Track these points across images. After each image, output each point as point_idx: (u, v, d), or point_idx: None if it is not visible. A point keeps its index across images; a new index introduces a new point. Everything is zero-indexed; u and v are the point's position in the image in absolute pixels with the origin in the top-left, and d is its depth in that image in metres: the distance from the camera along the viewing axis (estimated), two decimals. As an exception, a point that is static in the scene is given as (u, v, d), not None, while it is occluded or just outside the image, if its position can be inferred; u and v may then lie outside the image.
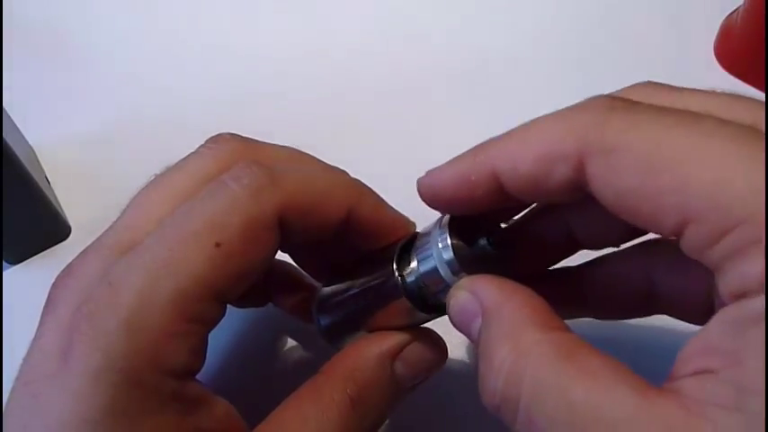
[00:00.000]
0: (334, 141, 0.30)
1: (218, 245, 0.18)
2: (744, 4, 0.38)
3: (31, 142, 0.36)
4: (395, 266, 0.21)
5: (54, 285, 0.20)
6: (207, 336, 0.19)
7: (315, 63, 0.41)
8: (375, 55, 0.40)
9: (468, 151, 0.19)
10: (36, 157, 0.36)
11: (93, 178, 0.36)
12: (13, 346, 0.25)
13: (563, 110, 0.17)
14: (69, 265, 0.20)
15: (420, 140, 0.36)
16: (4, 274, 0.32)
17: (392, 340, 0.21)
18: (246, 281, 0.19)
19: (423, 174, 0.20)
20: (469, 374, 0.29)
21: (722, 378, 0.14)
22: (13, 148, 0.29)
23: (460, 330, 0.19)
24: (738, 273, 0.14)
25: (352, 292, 0.22)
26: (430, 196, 0.20)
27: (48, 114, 0.38)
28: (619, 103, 0.16)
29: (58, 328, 0.18)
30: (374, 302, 0.22)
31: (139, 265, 0.18)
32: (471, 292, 0.19)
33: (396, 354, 0.21)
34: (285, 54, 0.42)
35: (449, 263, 0.19)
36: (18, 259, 0.33)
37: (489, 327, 0.18)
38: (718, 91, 0.17)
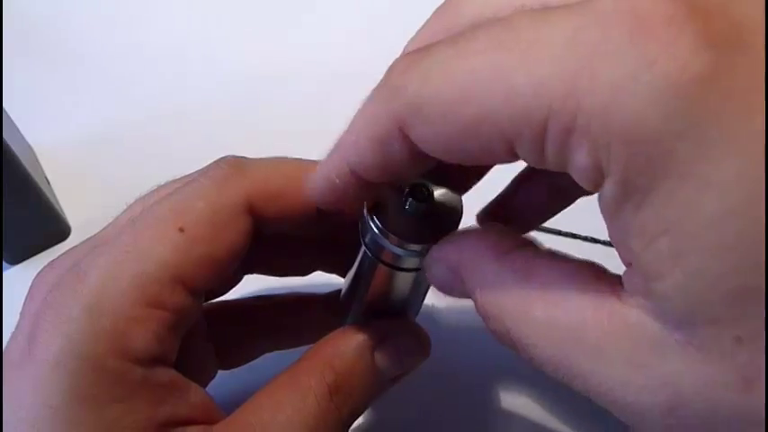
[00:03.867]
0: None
1: (181, 230, 0.18)
2: None
3: (30, 142, 0.36)
4: (361, 239, 0.21)
5: (34, 279, 0.20)
6: (178, 325, 0.19)
7: (315, 64, 0.41)
8: (369, 62, 0.40)
9: (327, 153, 0.19)
10: (36, 157, 0.36)
11: (93, 178, 0.36)
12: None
13: (378, 85, 0.16)
14: (51, 261, 0.20)
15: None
16: (4, 274, 0.32)
17: (373, 330, 0.21)
18: (215, 268, 0.19)
19: None
20: (460, 371, 0.29)
21: (633, 269, 0.14)
22: (13, 148, 0.29)
23: (461, 296, 0.19)
24: (577, 173, 0.13)
25: (350, 274, 0.23)
26: (319, 204, 0.20)
27: (48, 114, 0.38)
28: (411, 58, 0.15)
29: (29, 316, 0.18)
30: (364, 276, 0.22)
31: (105, 251, 0.18)
32: (440, 262, 0.19)
33: (376, 344, 0.21)
34: (286, 55, 0.42)
35: (379, 238, 0.20)
36: (18, 259, 0.33)
37: (465, 282, 0.18)
38: None
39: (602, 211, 0.14)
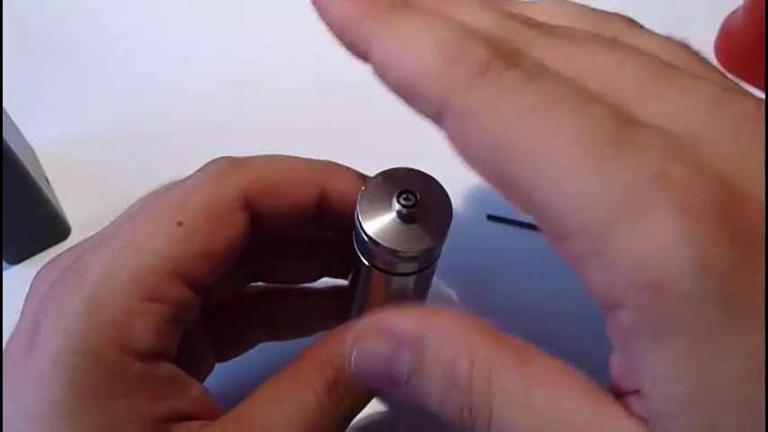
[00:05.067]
0: (336, 142, 0.30)
1: (180, 224, 0.18)
2: (744, 3, 0.38)
3: (30, 142, 0.36)
4: (355, 246, 0.21)
5: (35, 275, 0.20)
6: (178, 319, 0.19)
7: (316, 64, 0.41)
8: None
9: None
10: (36, 157, 0.36)
11: (93, 178, 0.36)
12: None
13: (454, 36, 0.16)
14: (52, 258, 0.20)
15: (422, 141, 0.36)
16: (4, 274, 0.32)
17: None
18: (214, 263, 0.19)
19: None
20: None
21: (644, 399, 0.14)
22: (13, 148, 0.29)
23: (376, 381, 0.18)
24: (587, 284, 0.14)
25: (350, 277, 0.24)
26: (318, 11, 0.18)
27: (48, 114, 0.38)
28: (495, 61, 0.15)
29: (30, 312, 0.18)
30: (362, 280, 0.22)
31: (105, 247, 0.18)
32: (378, 337, 0.18)
33: None
34: (286, 56, 0.41)
35: (371, 246, 0.20)
36: (18, 259, 0.33)
37: (431, 353, 0.17)
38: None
39: (609, 331, 0.15)
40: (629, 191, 0.13)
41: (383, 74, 0.16)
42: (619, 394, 0.15)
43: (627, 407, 0.15)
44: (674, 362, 0.13)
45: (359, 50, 0.17)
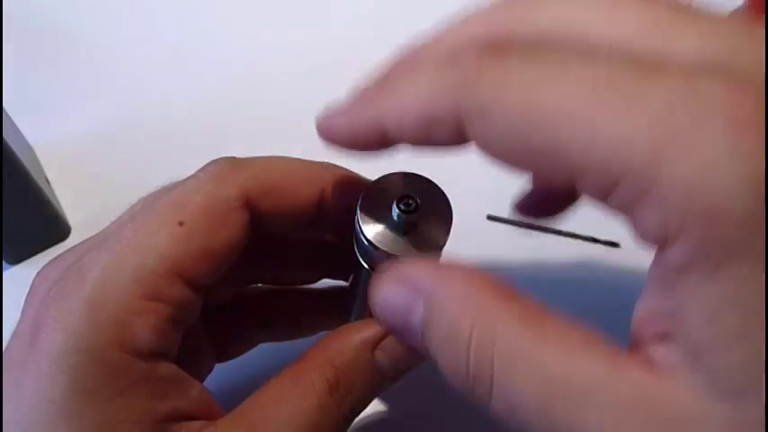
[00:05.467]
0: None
1: (180, 223, 0.19)
2: (744, 4, 0.38)
3: (30, 142, 0.36)
4: (355, 248, 0.21)
5: (36, 275, 0.20)
6: (178, 319, 0.19)
7: (317, 64, 0.41)
8: (372, 53, 0.40)
9: (358, 101, 0.18)
10: (36, 157, 0.36)
11: (93, 178, 0.36)
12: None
13: (441, 58, 0.16)
14: (53, 258, 0.20)
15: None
16: (4, 274, 0.32)
17: (373, 329, 0.22)
18: (214, 262, 0.19)
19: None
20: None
21: (677, 341, 0.14)
22: (13, 148, 0.29)
23: (395, 330, 0.19)
24: (639, 227, 0.14)
25: (351, 278, 0.24)
26: (327, 141, 0.19)
27: (48, 114, 0.38)
28: (488, 54, 0.15)
29: (31, 312, 0.18)
30: (362, 282, 0.22)
31: (106, 247, 0.18)
32: (398, 284, 0.18)
33: (376, 341, 0.21)
34: (287, 56, 0.41)
35: (370, 250, 0.20)
36: (18, 259, 0.33)
37: (439, 308, 0.17)
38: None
39: (652, 274, 0.14)
40: (665, 117, 0.13)
41: (401, 134, 0.17)
42: (639, 345, 0.15)
43: (646, 359, 0.14)
44: (726, 290, 0.13)
45: (375, 129, 0.17)
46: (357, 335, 0.21)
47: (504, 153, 0.15)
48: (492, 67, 0.15)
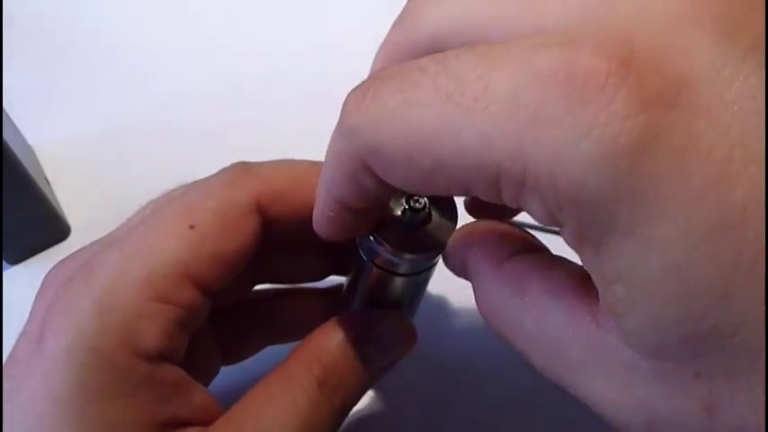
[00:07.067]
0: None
1: (192, 227, 0.19)
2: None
3: (30, 142, 0.36)
4: (357, 242, 0.21)
5: (45, 275, 0.20)
6: (186, 322, 0.19)
7: (318, 65, 0.41)
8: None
9: (316, 201, 0.19)
10: (36, 157, 0.36)
11: (93, 178, 0.36)
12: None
13: (338, 121, 0.16)
14: (62, 259, 0.20)
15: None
16: (4, 274, 0.32)
17: (359, 322, 0.22)
18: (225, 267, 0.19)
19: None
20: (462, 367, 0.29)
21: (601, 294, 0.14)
22: (13, 148, 0.29)
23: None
24: (536, 218, 0.14)
25: (349, 274, 0.24)
26: (328, 238, 0.19)
27: (48, 114, 0.38)
28: (361, 95, 0.15)
29: (39, 311, 0.18)
30: (362, 277, 0.22)
31: (116, 249, 0.19)
32: (454, 258, 0.20)
33: (362, 335, 0.21)
34: (288, 56, 0.42)
35: (374, 245, 0.20)
36: (18, 259, 0.33)
37: (470, 277, 0.19)
38: None
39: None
40: (513, 106, 0.13)
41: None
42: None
43: (596, 310, 0.15)
44: (610, 264, 0.13)
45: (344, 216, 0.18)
46: (342, 329, 0.21)
47: (409, 182, 0.15)
48: (364, 107, 0.15)
